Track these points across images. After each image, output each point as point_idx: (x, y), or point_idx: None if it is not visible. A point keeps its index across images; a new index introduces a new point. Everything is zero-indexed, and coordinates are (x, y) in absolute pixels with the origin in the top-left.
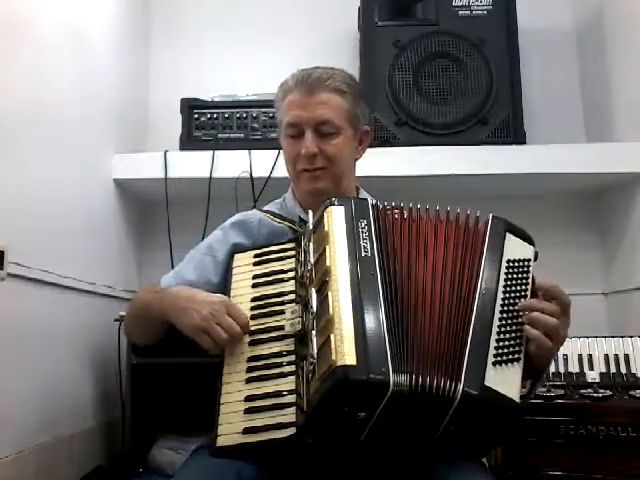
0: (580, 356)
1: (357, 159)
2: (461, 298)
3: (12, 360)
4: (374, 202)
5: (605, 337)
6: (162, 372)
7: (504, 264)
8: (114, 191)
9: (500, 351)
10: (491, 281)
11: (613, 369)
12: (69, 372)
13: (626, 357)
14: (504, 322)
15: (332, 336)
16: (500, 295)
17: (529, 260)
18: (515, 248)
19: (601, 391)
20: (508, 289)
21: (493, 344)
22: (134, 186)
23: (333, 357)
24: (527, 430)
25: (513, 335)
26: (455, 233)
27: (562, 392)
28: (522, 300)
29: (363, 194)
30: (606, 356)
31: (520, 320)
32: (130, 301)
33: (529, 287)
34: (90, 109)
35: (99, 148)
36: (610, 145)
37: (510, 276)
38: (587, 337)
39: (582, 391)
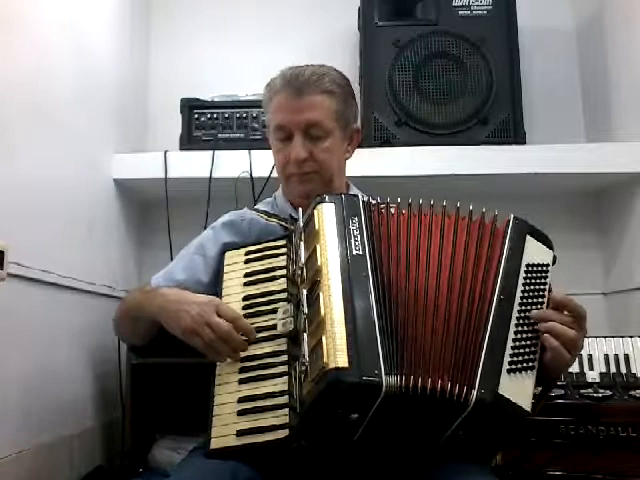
0: (580, 356)
1: (347, 158)
2: (476, 300)
3: (12, 360)
4: (365, 199)
5: (605, 337)
6: (162, 372)
7: (523, 268)
8: (114, 191)
9: (515, 359)
10: (510, 286)
11: (613, 369)
12: (69, 372)
13: (626, 357)
14: (520, 329)
15: (324, 338)
16: (518, 301)
17: (548, 265)
18: (535, 252)
19: (601, 391)
20: (526, 294)
21: (509, 351)
22: (134, 186)
23: (325, 359)
24: (527, 430)
25: (529, 343)
26: (467, 230)
27: (562, 392)
28: (538, 307)
29: (353, 190)
30: (606, 356)
31: (536, 327)
32: (121, 302)
33: (546, 294)
34: (90, 109)
35: (99, 148)
36: (610, 145)
37: (528, 281)
38: (587, 337)
39: (582, 391)
